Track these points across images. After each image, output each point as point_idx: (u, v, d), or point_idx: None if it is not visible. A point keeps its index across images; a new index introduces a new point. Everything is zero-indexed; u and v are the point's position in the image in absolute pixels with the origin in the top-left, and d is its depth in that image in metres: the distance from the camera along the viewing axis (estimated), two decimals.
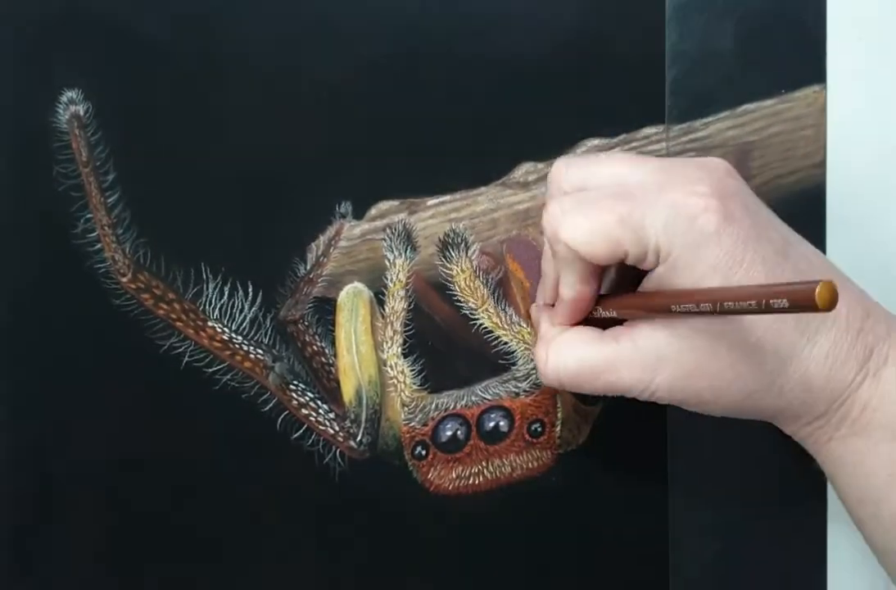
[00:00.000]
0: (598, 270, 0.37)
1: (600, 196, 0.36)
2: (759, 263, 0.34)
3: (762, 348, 0.35)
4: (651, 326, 0.36)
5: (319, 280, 0.43)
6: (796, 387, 0.35)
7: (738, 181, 0.36)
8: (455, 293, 0.43)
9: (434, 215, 0.43)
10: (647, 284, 0.36)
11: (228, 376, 0.43)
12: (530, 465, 0.44)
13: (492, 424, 0.44)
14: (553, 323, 0.39)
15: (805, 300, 0.28)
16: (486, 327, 0.44)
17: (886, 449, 0.35)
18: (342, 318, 0.43)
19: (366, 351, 0.43)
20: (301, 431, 0.43)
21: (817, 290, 0.28)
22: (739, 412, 0.37)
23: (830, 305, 0.28)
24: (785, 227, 0.37)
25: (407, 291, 0.43)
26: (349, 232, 0.43)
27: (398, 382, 0.44)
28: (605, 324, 0.38)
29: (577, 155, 0.39)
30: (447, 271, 0.43)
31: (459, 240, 0.43)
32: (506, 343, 0.44)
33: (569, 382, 0.38)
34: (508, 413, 0.44)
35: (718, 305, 0.32)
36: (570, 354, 0.37)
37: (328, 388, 0.44)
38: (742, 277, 0.34)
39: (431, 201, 0.43)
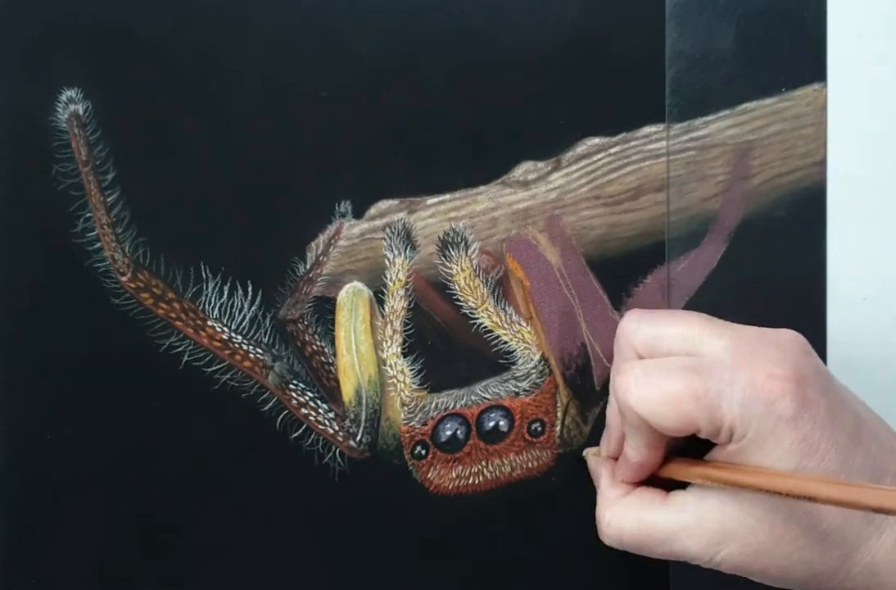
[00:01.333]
0: (666, 437, 0.37)
1: (675, 368, 0.35)
2: (833, 451, 0.34)
3: (830, 536, 0.35)
4: (718, 497, 0.36)
5: (319, 279, 0.43)
6: (862, 573, 0.35)
7: (813, 359, 0.36)
8: (455, 292, 0.43)
9: (434, 214, 0.43)
10: (716, 454, 0.36)
11: (228, 376, 0.43)
12: (530, 464, 0.44)
13: (491, 423, 0.44)
14: (614, 479, 0.39)
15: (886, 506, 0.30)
16: (485, 327, 0.44)
17: None
18: (342, 317, 0.43)
19: (365, 350, 0.43)
20: (300, 430, 0.43)
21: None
22: (804, 588, 0.36)
23: None
24: (856, 402, 0.37)
25: (407, 290, 0.43)
26: (349, 231, 0.43)
27: (398, 381, 0.44)
28: (668, 485, 0.38)
29: (646, 311, 0.39)
30: (447, 270, 0.43)
31: (459, 239, 0.43)
32: (506, 342, 0.44)
33: (631, 546, 0.37)
34: (508, 413, 0.44)
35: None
36: (633, 519, 0.37)
37: (328, 387, 0.43)
38: (816, 465, 0.34)
39: (431, 200, 0.43)
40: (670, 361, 0.36)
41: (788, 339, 0.36)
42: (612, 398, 0.39)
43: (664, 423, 0.35)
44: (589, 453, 0.43)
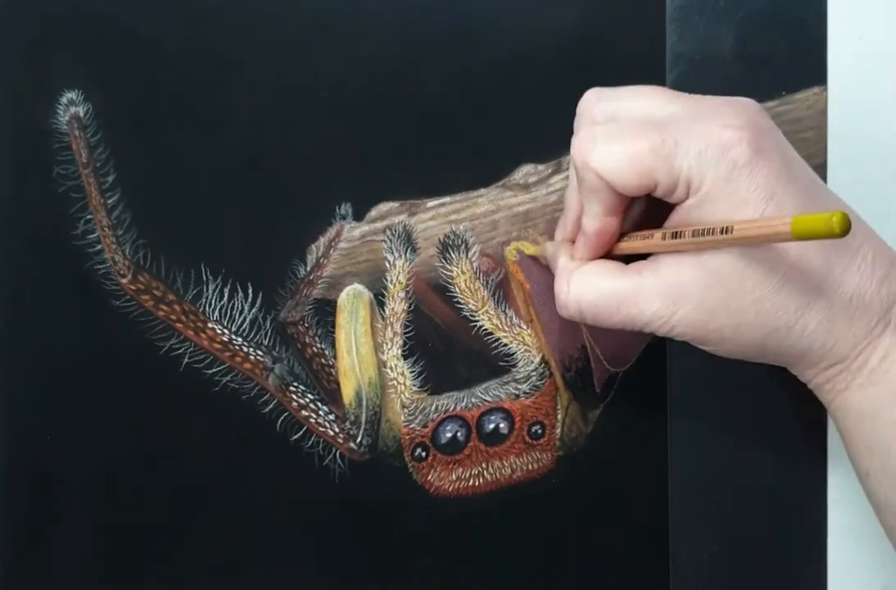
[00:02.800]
0: (624, 203, 0.36)
1: (633, 125, 0.35)
2: (790, 197, 0.34)
3: (788, 285, 0.34)
4: (676, 259, 0.35)
5: (319, 282, 0.43)
6: (819, 328, 0.35)
7: (769, 120, 0.36)
8: (455, 295, 0.43)
9: (434, 217, 0.43)
10: (675, 217, 0.36)
11: (228, 378, 0.43)
12: (530, 467, 0.44)
13: (492, 425, 0.44)
14: (573, 257, 0.39)
15: (824, 223, 0.29)
16: (486, 329, 0.44)
17: None
18: (342, 319, 0.43)
19: (366, 353, 0.43)
20: (301, 432, 0.43)
21: (834, 217, 0.29)
22: (759, 353, 0.36)
23: (844, 230, 0.29)
24: (811, 170, 0.37)
25: (407, 292, 0.43)
26: (349, 233, 0.43)
27: (398, 383, 0.44)
28: (626, 261, 0.37)
29: (606, 87, 0.38)
30: (447, 273, 0.43)
31: (460, 241, 0.43)
32: (506, 345, 0.44)
33: (589, 313, 0.37)
34: (508, 415, 0.44)
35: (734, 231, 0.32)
36: (591, 285, 0.37)
37: (328, 389, 0.44)
38: (773, 212, 0.34)
39: (431, 203, 0.43)
40: (628, 120, 0.36)
41: (745, 101, 0.36)
42: (571, 176, 0.39)
43: (624, 179, 0.35)
44: (546, 243, 0.42)
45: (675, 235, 0.35)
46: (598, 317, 0.37)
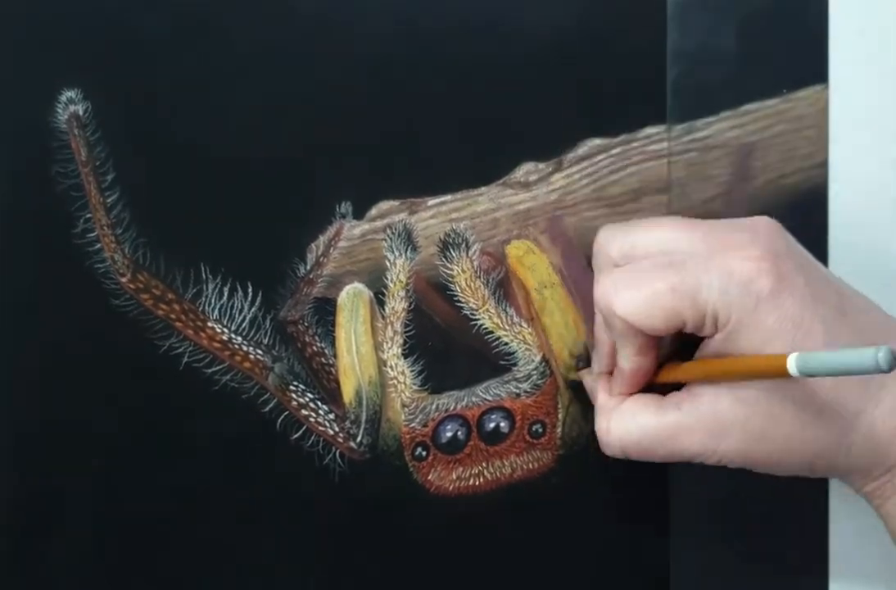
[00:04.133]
0: (655, 341, 0.37)
1: (651, 267, 0.36)
2: (818, 322, 0.34)
3: (828, 410, 0.35)
4: (714, 391, 0.36)
5: (319, 280, 0.43)
6: (864, 445, 0.35)
7: (789, 240, 0.36)
8: (456, 294, 0.43)
9: (435, 215, 0.43)
10: (706, 350, 0.36)
11: (228, 377, 0.43)
12: (531, 466, 0.44)
13: (492, 424, 0.44)
14: (611, 393, 0.39)
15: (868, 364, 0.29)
16: (486, 328, 0.44)
17: None
18: (342, 318, 0.43)
19: (366, 352, 0.43)
20: (301, 431, 0.43)
21: (879, 354, 0.29)
22: (811, 472, 0.37)
23: (889, 367, 0.29)
24: (838, 281, 0.37)
25: (407, 291, 0.43)
26: (349, 232, 0.43)
27: (398, 382, 0.44)
28: (665, 390, 0.38)
29: (620, 223, 0.39)
30: (448, 272, 0.43)
31: (460, 240, 0.43)
32: (506, 344, 0.44)
33: (633, 451, 0.38)
34: (509, 414, 0.44)
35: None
36: (632, 424, 0.38)
37: (328, 388, 0.43)
38: (803, 339, 0.34)
39: (432, 201, 0.43)
40: (646, 262, 0.36)
41: (761, 223, 0.37)
42: (597, 312, 0.39)
43: (649, 322, 0.35)
44: (583, 373, 0.43)
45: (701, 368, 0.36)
46: (642, 455, 0.38)
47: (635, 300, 0.35)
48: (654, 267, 0.36)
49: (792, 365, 0.31)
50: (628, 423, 0.38)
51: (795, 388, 0.35)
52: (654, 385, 0.39)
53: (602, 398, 0.40)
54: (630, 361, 0.37)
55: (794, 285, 0.34)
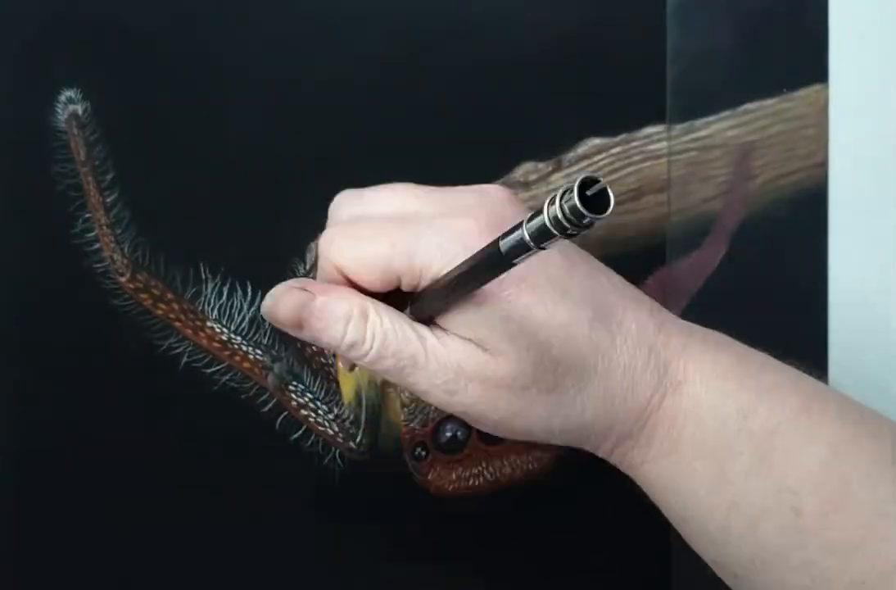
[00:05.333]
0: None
1: (374, 222, 0.35)
2: (543, 280, 0.33)
3: (561, 364, 0.34)
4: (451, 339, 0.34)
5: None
6: (598, 404, 0.34)
7: (517, 207, 0.35)
8: None
9: None
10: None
11: (227, 377, 0.43)
12: (531, 466, 0.44)
13: None
14: None
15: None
16: None
17: (700, 466, 0.34)
18: None
19: None
20: (300, 432, 0.43)
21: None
22: (549, 434, 0.35)
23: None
24: (572, 247, 0.36)
25: None
26: None
27: None
28: None
29: (356, 189, 0.37)
30: None
31: None
32: None
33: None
34: None
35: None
36: None
37: (328, 389, 0.43)
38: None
39: None
40: (370, 220, 0.35)
41: (489, 189, 0.36)
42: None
43: (366, 278, 0.34)
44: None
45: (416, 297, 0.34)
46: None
47: (353, 251, 0.34)
48: (378, 223, 0.34)
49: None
50: None
51: (532, 343, 0.33)
52: None
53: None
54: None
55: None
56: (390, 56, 0.42)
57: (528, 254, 0.27)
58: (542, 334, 0.33)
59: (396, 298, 0.35)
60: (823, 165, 0.43)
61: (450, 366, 0.34)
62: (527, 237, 0.26)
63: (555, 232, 0.25)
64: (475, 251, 0.30)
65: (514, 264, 0.28)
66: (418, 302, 0.34)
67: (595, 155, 0.43)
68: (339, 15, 0.42)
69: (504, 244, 0.27)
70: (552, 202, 0.25)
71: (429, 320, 0.34)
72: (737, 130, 0.43)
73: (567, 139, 0.43)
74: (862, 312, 0.44)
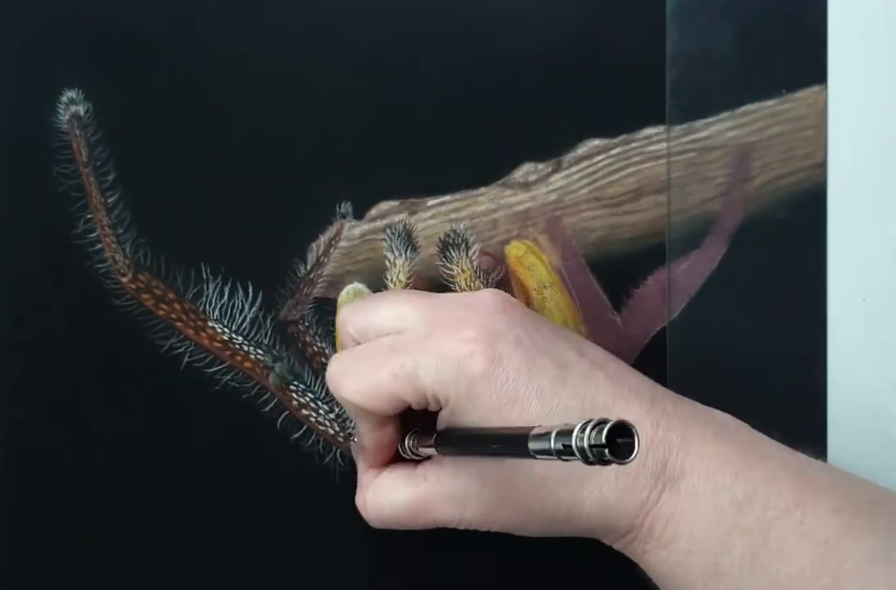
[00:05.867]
0: (388, 417, 0.38)
1: (375, 351, 0.37)
2: (534, 397, 0.35)
3: (551, 479, 0.35)
4: (454, 464, 0.37)
5: (320, 280, 0.43)
6: (594, 509, 0.35)
7: (507, 315, 0.37)
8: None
9: (434, 216, 0.43)
10: (441, 421, 0.37)
11: (229, 377, 0.43)
12: None
13: None
14: (367, 466, 0.40)
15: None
16: None
17: (695, 559, 0.35)
18: None
19: None
20: (301, 431, 0.43)
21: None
22: (551, 533, 0.37)
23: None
24: (566, 345, 0.37)
25: None
26: (349, 232, 0.43)
27: None
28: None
29: (361, 301, 0.41)
30: (448, 272, 0.43)
31: (460, 240, 0.43)
32: None
33: (393, 524, 0.38)
34: None
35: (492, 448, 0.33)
36: (384, 500, 0.38)
37: (328, 389, 0.43)
38: (519, 414, 0.35)
39: (432, 202, 0.43)
40: (371, 344, 0.38)
41: (482, 299, 0.38)
42: None
43: (375, 406, 0.36)
44: (350, 442, 0.43)
45: (438, 442, 0.37)
46: (403, 526, 0.38)
47: (358, 386, 0.36)
48: (379, 350, 0.37)
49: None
50: (382, 499, 0.38)
51: (511, 462, 0.35)
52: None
53: (360, 472, 0.40)
54: (368, 437, 0.38)
55: (508, 363, 0.35)
56: (390, 56, 0.42)
57: (550, 458, 0.29)
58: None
59: (410, 413, 0.38)
60: (823, 165, 0.43)
61: (454, 497, 0.37)
62: (552, 447, 0.28)
63: (578, 457, 0.27)
64: (470, 378, 0.34)
65: (536, 458, 0.30)
66: (431, 437, 0.37)
67: (595, 156, 0.43)
68: (340, 15, 0.42)
69: (532, 443, 0.29)
70: (582, 430, 0.27)
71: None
72: (736, 131, 0.43)
73: (567, 140, 0.43)
74: (861, 313, 0.44)
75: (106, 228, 0.42)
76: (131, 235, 0.43)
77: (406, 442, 0.39)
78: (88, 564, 0.44)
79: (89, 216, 0.42)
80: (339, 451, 0.44)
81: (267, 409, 0.43)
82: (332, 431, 0.43)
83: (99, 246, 0.42)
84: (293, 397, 0.43)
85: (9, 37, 0.42)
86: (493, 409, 0.35)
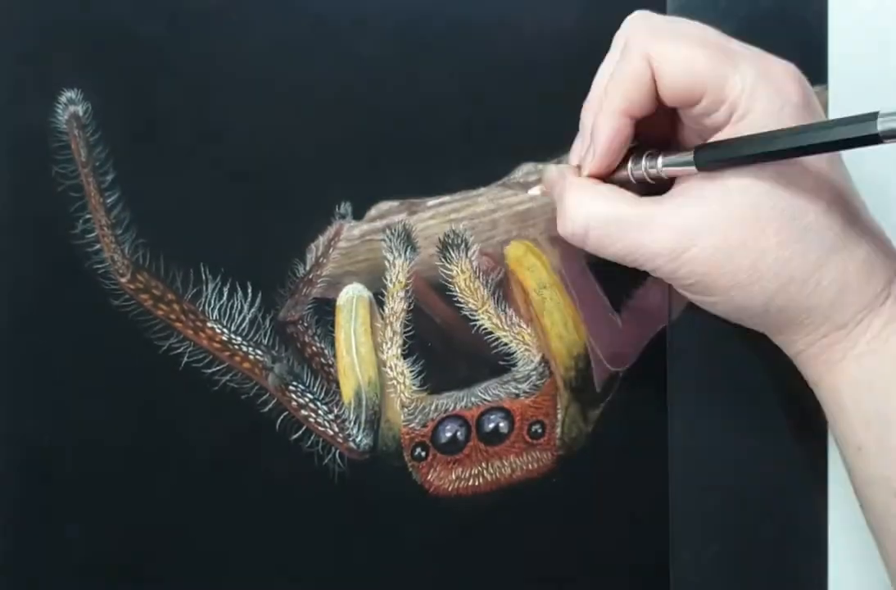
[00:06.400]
0: (648, 109, 0.34)
1: (700, 31, 0.34)
2: None
3: (811, 235, 0.33)
4: (700, 187, 0.34)
5: (319, 281, 0.43)
6: (832, 284, 0.34)
7: (813, 97, 0.36)
8: (455, 294, 0.43)
9: (434, 216, 0.43)
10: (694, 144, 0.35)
11: (228, 377, 0.43)
12: (530, 466, 0.44)
13: (492, 425, 0.44)
14: (583, 173, 0.36)
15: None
16: (485, 328, 0.44)
17: None
18: (342, 319, 0.43)
19: (365, 352, 0.43)
20: (300, 432, 0.43)
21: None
22: (763, 308, 0.35)
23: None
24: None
25: (407, 291, 0.43)
26: (349, 233, 0.43)
27: (398, 383, 0.44)
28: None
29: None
30: (447, 272, 0.43)
31: (459, 240, 0.43)
32: (506, 344, 0.44)
33: (595, 232, 0.35)
34: (508, 414, 0.44)
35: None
36: (605, 203, 0.35)
37: (328, 389, 0.43)
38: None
39: (431, 202, 0.43)
40: (694, 28, 0.34)
41: (792, 65, 0.35)
42: (595, 93, 0.37)
43: (673, 77, 0.33)
44: (548, 166, 0.40)
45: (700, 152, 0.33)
46: (602, 239, 0.35)
47: (672, 46, 0.33)
48: (704, 33, 0.34)
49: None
50: (600, 202, 0.35)
51: (787, 203, 0.33)
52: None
53: (574, 177, 0.36)
54: (614, 118, 0.34)
55: (815, 109, 0.34)
56: (390, 56, 0.42)
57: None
58: (800, 197, 0.33)
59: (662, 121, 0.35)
60: None
61: (681, 224, 0.33)
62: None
63: None
64: (795, 111, 0.32)
65: (883, 142, 0.29)
66: (710, 148, 0.33)
67: None
68: (340, 16, 0.42)
69: (882, 122, 0.29)
70: None
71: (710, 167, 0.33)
72: None
73: (567, 140, 0.43)
74: None
75: (105, 229, 0.42)
76: (130, 236, 0.42)
77: (643, 161, 0.36)
78: (87, 563, 0.44)
79: (88, 216, 0.42)
80: (338, 451, 0.43)
81: (266, 409, 0.43)
82: (331, 432, 0.43)
83: (98, 246, 0.42)
84: (292, 398, 0.43)
85: (9, 37, 0.42)
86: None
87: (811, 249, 0.34)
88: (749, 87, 0.33)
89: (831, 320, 0.35)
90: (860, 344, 0.35)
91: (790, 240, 0.33)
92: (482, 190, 0.43)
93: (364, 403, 0.44)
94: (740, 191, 0.33)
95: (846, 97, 0.43)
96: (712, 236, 0.33)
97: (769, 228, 0.33)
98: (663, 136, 0.38)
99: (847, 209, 0.34)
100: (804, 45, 0.43)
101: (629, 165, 0.36)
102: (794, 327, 0.35)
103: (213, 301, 0.43)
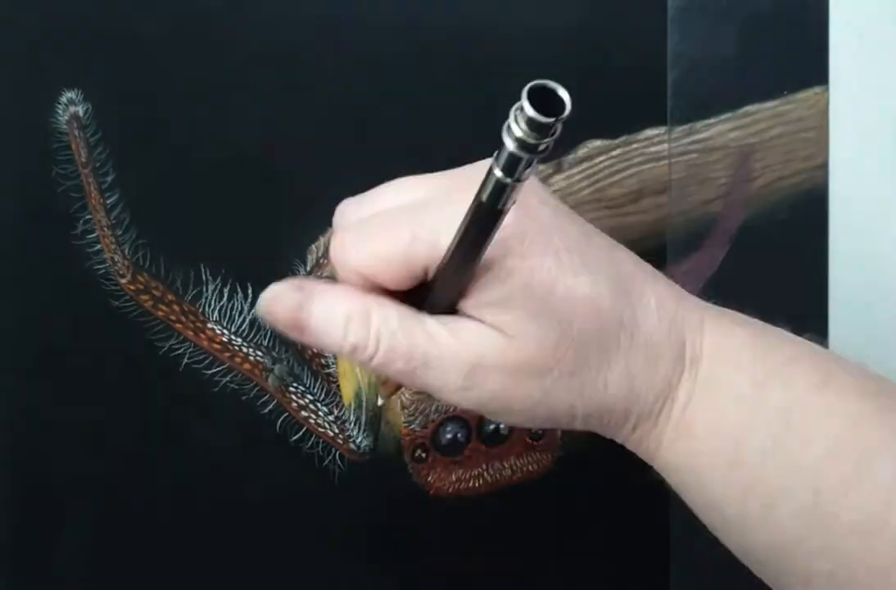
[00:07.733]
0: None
1: (386, 216, 0.32)
2: (563, 250, 0.31)
3: (583, 341, 0.32)
4: (476, 325, 0.32)
5: None
6: (621, 383, 0.33)
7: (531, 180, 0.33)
8: None
9: None
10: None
11: (228, 378, 0.43)
12: (530, 467, 0.44)
13: (492, 426, 0.44)
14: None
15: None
16: None
17: (715, 446, 0.33)
18: None
19: None
20: (301, 433, 0.43)
21: None
22: (571, 419, 0.33)
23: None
24: (574, 215, 0.34)
25: None
26: None
27: None
28: None
29: (358, 195, 0.35)
30: None
31: None
32: None
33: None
34: None
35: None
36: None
37: (328, 390, 0.43)
38: (564, 260, 0.31)
39: None
40: (384, 212, 0.32)
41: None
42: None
43: (390, 274, 0.31)
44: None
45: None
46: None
47: (371, 251, 0.31)
48: (394, 215, 0.32)
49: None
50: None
51: (549, 316, 0.31)
52: None
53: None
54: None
55: (538, 216, 0.32)
56: (390, 56, 0.42)
57: (509, 193, 0.26)
58: (564, 308, 0.32)
59: (424, 293, 0.33)
60: (824, 167, 0.43)
61: (466, 359, 0.32)
62: (499, 174, 0.25)
63: (522, 154, 0.25)
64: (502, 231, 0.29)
65: (503, 211, 0.27)
66: (433, 293, 0.32)
67: (596, 157, 0.43)
68: (340, 16, 0.42)
69: (484, 192, 0.26)
70: (508, 128, 0.24)
71: (449, 310, 0.32)
72: (737, 133, 0.43)
73: (567, 141, 0.43)
74: (862, 313, 0.44)
75: (105, 229, 0.42)
76: (130, 236, 0.42)
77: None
78: (87, 563, 0.44)
79: (88, 217, 0.42)
80: (338, 452, 0.43)
81: (266, 410, 0.43)
82: (331, 433, 0.43)
83: (98, 247, 0.42)
84: (292, 399, 0.43)
85: (9, 37, 0.42)
86: (532, 253, 0.31)
87: (589, 354, 0.32)
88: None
89: (634, 413, 0.33)
90: (668, 430, 0.34)
91: (567, 352, 0.32)
92: None
93: (364, 404, 0.43)
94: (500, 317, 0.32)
95: (848, 98, 0.43)
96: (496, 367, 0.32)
97: (545, 344, 0.32)
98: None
99: (611, 295, 0.33)
100: (804, 48, 0.43)
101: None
102: (606, 425, 0.34)
103: (213, 302, 0.43)
